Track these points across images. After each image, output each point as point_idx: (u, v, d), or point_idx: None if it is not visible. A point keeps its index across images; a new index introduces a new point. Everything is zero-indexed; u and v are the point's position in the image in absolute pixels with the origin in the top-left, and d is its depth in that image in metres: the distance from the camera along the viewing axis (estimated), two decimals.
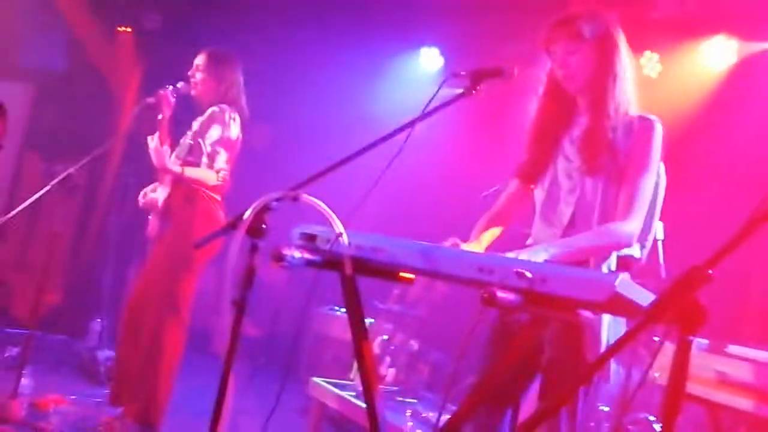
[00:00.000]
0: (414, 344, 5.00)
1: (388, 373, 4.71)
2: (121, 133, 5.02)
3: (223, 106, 3.58)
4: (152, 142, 3.46)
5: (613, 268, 2.10)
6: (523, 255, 1.88)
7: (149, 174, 5.63)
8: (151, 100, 3.57)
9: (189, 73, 3.68)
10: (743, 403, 2.68)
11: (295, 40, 6.10)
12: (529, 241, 2.23)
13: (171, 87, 3.58)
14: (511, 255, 1.91)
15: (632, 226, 2.03)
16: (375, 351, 4.88)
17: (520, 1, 5.19)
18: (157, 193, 3.66)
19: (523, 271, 1.59)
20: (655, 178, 2.11)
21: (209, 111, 3.58)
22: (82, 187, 6.40)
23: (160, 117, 3.52)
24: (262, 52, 6.00)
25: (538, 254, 1.89)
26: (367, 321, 4.99)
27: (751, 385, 2.69)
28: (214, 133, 3.52)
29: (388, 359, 4.79)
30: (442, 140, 5.30)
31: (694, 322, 1.26)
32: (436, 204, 5.60)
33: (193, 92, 3.66)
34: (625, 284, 1.53)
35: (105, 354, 4.68)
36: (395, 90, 6.38)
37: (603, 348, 1.93)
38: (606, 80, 2.10)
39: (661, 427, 1.28)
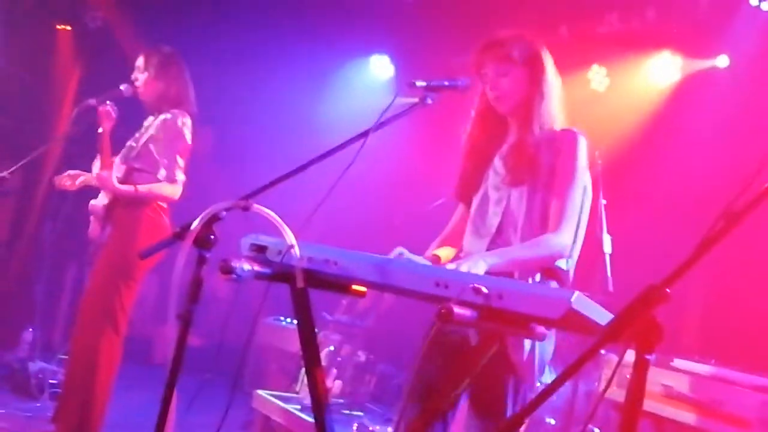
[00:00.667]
0: (361, 355, 4.95)
1: (335, 385, 4.63)
2: (59, 136, 4.81)
3: (175, 111, 3.45)
4: (95, 167, 3.32)
5: (538, 279, 2.13)
6: (463, 266, 1.89)
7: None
8: (92, 102, 3.43)
9: (132, 76, 3.53)
10: (687, 416, 2.73)
11: (244, 42, 6.00)
12: (462, 254, 2.27)
13: (108, 103, 3.44)
14: (450, 266, 1.92)
15: (564, 237, 2.08)
16: (322, 363, 4.80)
17: (472, 10, 5.24)
18: (99, 198, 3.51)
19: (480, 286, 1.56)
20: (582, 190, 2.16)
21: (161, 118, 3.44)
22: (15, 191, 6.13)
23: (100, 131, 3.37)
24: (208, 54, 5.87)
25: (477, 264, 1.90)
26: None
27: (695, 398, 2.73)
28: (169, 142, 3.39)
29: (334, 371, 4.72)
30: (389, 150, 5.28)
31: (651, 341, 1.25)
32: (381, 215, 5.57)
33: (138, 94, 3.52)
34: (581, 301, 1.51)
35: (37, 366, 4.46)
36: (345, 97, 6.35)
37: (527, 353, 1.98)
38: (533, 98, 2.19)
39: None
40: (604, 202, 3.73)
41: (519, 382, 2.04)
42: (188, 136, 3.46)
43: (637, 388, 1.29)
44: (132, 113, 3.58)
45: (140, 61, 3.54)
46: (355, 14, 5.88)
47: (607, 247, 3.66)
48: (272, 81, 6.18)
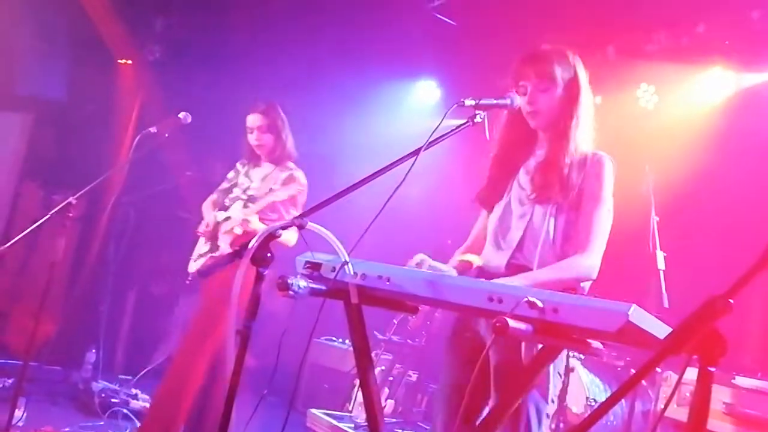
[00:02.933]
0: (412, 375, 4.95)
1: (387, 404, 4.65)
2: (121, 163, 5.01)
3: (292, 165, 3.76)
4: (236, 210, 3.64)
5: None
6: None
7: (148, 203, 5.64)
8: (152, 129, 3.57)
9: (250, 134, 3.76)
10: None
11: (294, 67, 6.14)
12: (479, 263, 2.30)
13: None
14: None
15: (593, 259, 2.11)
16: None
17: (518, 32, 5.25)
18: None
19: (535, 300, 1.58)
20: (607, 213, 2.18)
21: (287, 174, 3.70)
22: (80, 216, 6.38)
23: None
24: (262, 80, 6.04)
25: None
26: None
27: (757, 416, 2.65)
28: (292, 197, 3.65)
29: (386, 390, 4.73)
30: (440, 171, 5.32)
31: (714, 353, 1.23)
32: (432, 237, 5.58)
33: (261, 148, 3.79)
34: (638, 314, 1.51)
35: (100, 386, 4.61)
36: (394, 120, 6.41)
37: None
38: (569, 121, 2.22)
39: None
40: (656, 218, 3.68)
41: (535, 396, 2.07)
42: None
43: (701, 401, 1.27)
44: (188, 139, 3.75)
45: (257, 120, 3.75)
46: (402, 38, 5.96)
47: (661, 264, 3.60)
48: (321, 106, 6.30)
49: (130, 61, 6.66)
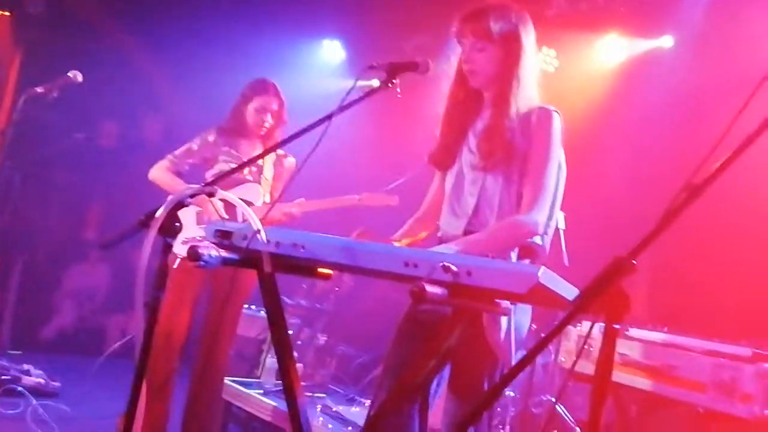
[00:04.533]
0: (321, 338, 4.97)
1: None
2: (3, 123, 4.64)
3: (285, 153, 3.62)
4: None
5: (514, 258, 2.14)
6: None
7: (33, 168, 5.28)
8: (39, 89, 3.33)
9: (265, 117, 3.49)
10: (643, 383, 2.84)
11: (195, 27, 5.88)
12: (438, 233, 2.25)
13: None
14: None
15: (537, 215, 2.06)
16: None
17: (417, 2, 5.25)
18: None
19: (449, 264, 1.59)
20: (557, 168, 2.15)
21: (290, 163, 3.60)
22: None
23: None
24: (159, 41, 5.75)
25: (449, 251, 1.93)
26: None
27: (650, 365, 2.84)
28: (287, 184, 3.50)
29: (295, 354, 4.73)
30: (350, 130, 5.28)
31: (619, 311, 1.29)
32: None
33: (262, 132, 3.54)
34: (548, 276, 1.56)
35: None
36: (298, 81, 6.28)
37: (503, 333, 1.97)
38: (510, 80, 2.13)
39: (590, 413, 1.31)
40: None
41: (495, 362, 2.04)
42: None
43: (607, 357, 1.34)
44: (79, 101, 3.50)
45: (275, 103, 3.51)
46: None
47: (561, 224, 3.74)
48: (223, 67, 6.08)
49: (7, 13, 6.14)
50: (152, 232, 1.66)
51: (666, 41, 4.85)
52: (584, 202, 4.28)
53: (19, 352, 5.39)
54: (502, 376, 1.45)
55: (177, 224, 1.73)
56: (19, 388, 4.14)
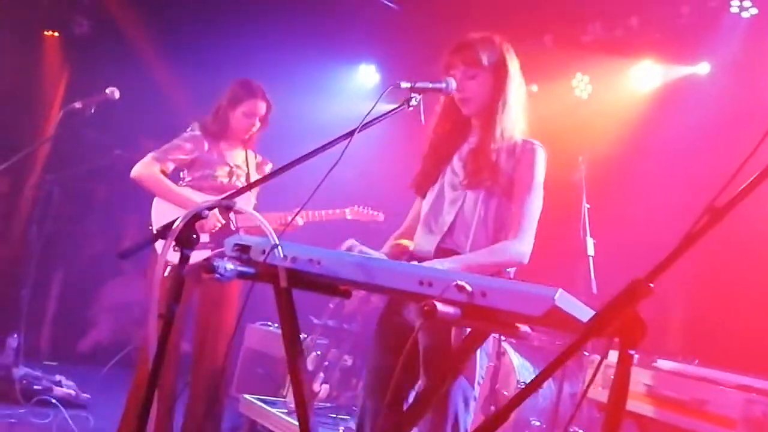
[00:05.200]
0: (348, 360, 4.94)
1: (322, 389, 4.62)
2: (44, 139, 4.79)
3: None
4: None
5: None
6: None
7: (73, 182, 5.41)
8: (77, 105, 3.42)
9: (253, 122, 3.49)
10: (671, 416, 2.74)
11: (233, 49, 6.00)
12: (411, 247, 2.33)
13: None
14: None
15: (524, 245, 2.16)
16: (309, 367, 4.79)
17: (457, 19, 5.26)
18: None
19: (464, 284, 1.57)
20: (540, 199, 2.24)
21: (270, 169, 3.59)
22: (3, 195, 6.09)
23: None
24: (195, 61, 5.88)
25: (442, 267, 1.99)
26: (301, 336, 4.92)
27: (678, 398, 2.75)
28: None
29: (321, 375, 4.71)
30: (369, 150, 5.31)
31: (634, 336, 1.25)
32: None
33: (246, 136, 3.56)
34: (564, 299, 1.52)
35: (21, 372, 4.42)
36: (333, 104, 6.35)
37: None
38: (496, 106, 2.25)
39: None
40: (587, 206, 3.76)
41: (462, 382, 2.10)
42: None
43: (621, 384, 1.29)
44: (117, 117, 3.57)
45: (264, 108, 3.51)
46: (343, 22, 5.91)
47: (591, 250, 3.69)
48: (263, 84, 6.18)
49: (56, 33, 6.36)
50: (168, 243, 1.67)
51: (702, 68, 4.77)
52: (616, 229, 4.22)
53: (55, 363, 5.50)
54: (510, 399, 1.41)
55: (194, 236, 1.74)
56: (49, 398, 4.20)
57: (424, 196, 2.39)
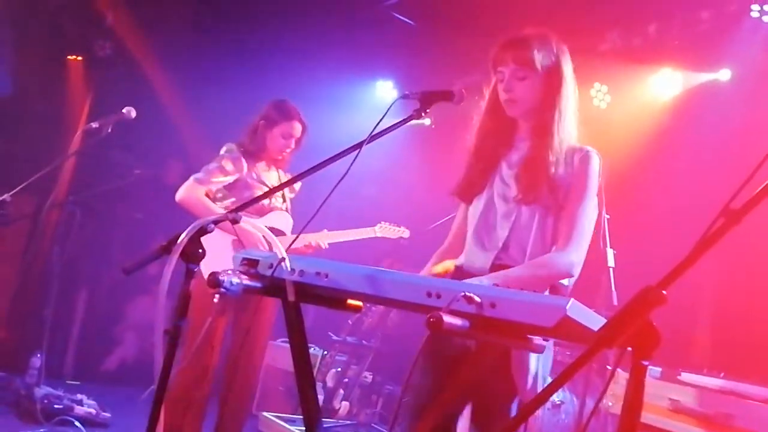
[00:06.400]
0: (368, 376, 4.90)
1: (342, 406, 4.58)
2: (62, 158, 4.85)
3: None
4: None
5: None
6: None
7: (95, 202, 5.47)
8: (94, 125, 3.46)
9: (289, 143, 3.52)
10: (694, 431, 2.66)
11: (252, 67, 6.05)
12: (459, 262, 2.19)
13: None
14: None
15: (573, 256, 2.01)
16: (329, 384, 4.75)
17: (474, 34, 5.25)
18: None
19: (472, 295, 1.53)
20: (595, 209, 2.10)
21: (299, 185, 3.61)
22: (26, 215, 6.17)
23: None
24: (215, 79, 5.94)
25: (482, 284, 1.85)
26: (321, 353, 4.89)
27: (703, 412, 2.66)
28: None
29: (341, 392, 4.67)
30: (396, 163, 5.29)
31: (648, 346, 1.20)
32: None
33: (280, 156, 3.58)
34: (576, 308, 1.48)
35: (43, 391, 4.44)
36: (351, 121, 6.35)
37: (530, 369, 1.89)
38: (551, 113, 2.09)
39: None
40: (607, 216, 3.69)
41: (521, 400, 1.95)
42: None
43: (634, 396, 1.24)
44: (139, 136, 3.59)
45: (299, 131, 3.54)
46: (360, 38, 5.93)
47: (611, 261, 3.62)
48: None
49: (80, 58, 6.47)
50: (173, 258, 1.66)
51: (723, 74, 4.69)
52: (637, 239, 4.14)
53: (77, 383, 5.53)
54: (519, 410, 1.37)
55: (200, 250, 1.73)
56: (69, 418, 4.21)
57: (469, 203, 2.24)
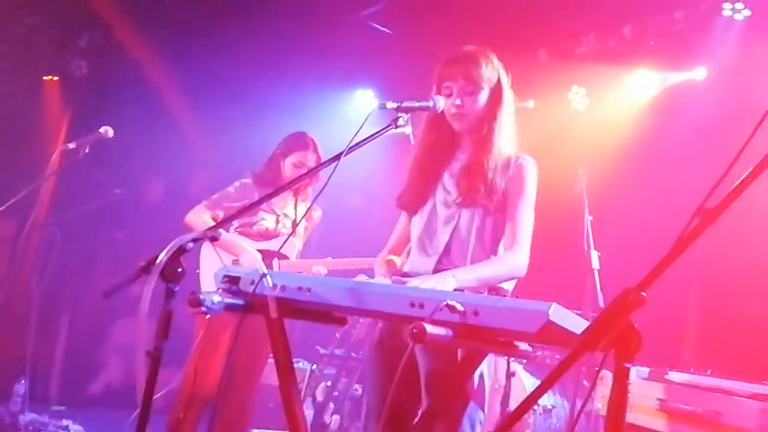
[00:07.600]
0: (358, 389, 4.86)
1: (332, 420, 4.55)
2: (40, 180, 4.80)
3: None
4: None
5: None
6: (430, 282, 1.90)
7: (75, 224, 5.42)
8: (71, 145, 3.43)
9: (297, 169, 3.52)
10: (685, 430, 2.66)
11: (231, 80, 6.03)
12: (406, 268, 2.27)
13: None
14: (416, 281, 1.92)
15: (522, 257, 2.13)
16: (318, 398, 4.71)
17: (453, 41, 5.27)
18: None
19: (455, 303, 1.53)
20: (532, 212, 2.20)
21: (317, 216, 3.69)
22: (5, 239, 6.09)
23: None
24: (197, 91, 5.91)
25: (446, 281, 1.92)
26: (310, 367, 4.85)
27: (692, 411, 2.66)
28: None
29: (331, 406, 4.63)
30: (378, 172, 5.29)
31: (630, 348, 1.20)
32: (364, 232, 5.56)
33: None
34: (559, 313, 1.48)
35: (28, 418, 4.37)
36: (331, 130, 6.34)
37: (477, 379, 2.00)
38: (493, 124, 2.22)
39: None
40: (590, 218, 3.71)
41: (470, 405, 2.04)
42: None
43: (619, 398, 1.25)
44: (119, 157, 3.56)
45: (314, 161, 3.56)
46: (338, 47, 5.93)
47: (596, 263, 3.63)
48: (257, 117, 6.20)
49: (56, 78, 6.42)
50: (153, 278, 1.64)
51: (699, 72, 4.74)
52: (619, 240, 4.15)
53: (63, 408, 5.44)
54: (507, 415, 1.37)
55: (179, 270, 1.71)
56: None
57: (413, 214, 2.33)
